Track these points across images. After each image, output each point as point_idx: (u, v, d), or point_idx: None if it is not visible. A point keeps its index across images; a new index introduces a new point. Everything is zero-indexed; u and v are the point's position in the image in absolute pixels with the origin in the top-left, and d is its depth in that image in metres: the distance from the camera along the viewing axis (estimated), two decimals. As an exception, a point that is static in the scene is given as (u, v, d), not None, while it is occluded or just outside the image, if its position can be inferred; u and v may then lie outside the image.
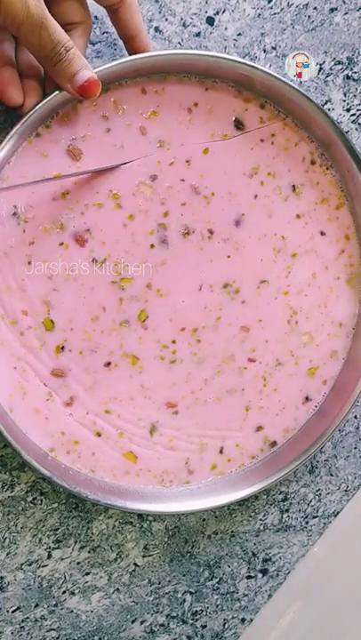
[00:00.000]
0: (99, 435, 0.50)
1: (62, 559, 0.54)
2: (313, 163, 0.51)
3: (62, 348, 0.49)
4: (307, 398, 0.55)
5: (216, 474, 0.53)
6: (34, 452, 0.48)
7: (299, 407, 0.54)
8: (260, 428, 0.54)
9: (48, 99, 0.43)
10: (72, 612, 0.55)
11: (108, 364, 0.50)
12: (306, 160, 0.51)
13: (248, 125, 0.49)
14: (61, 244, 0.47)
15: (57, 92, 0.43)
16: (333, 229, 0.53)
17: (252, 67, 0.46)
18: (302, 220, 0.52)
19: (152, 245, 0.49)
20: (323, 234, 0.53)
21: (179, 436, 0.52)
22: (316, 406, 0.55)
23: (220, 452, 0.53)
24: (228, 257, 0.51)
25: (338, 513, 0.60)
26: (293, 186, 0.51)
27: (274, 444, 0.54)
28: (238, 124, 0.49)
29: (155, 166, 0.48)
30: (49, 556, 0.54)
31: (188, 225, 0.50)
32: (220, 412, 0.53)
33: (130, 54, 0.46)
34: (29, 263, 0.47)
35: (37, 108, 0.43)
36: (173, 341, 0.51)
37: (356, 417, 0.59)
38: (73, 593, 0.55)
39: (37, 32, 0.40)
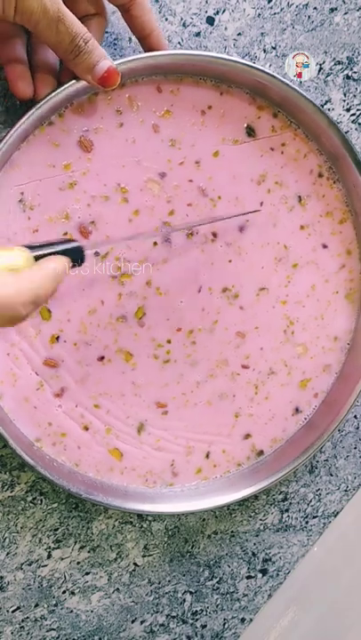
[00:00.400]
0: (86, 429, 0.50)
1: (62, 559, 0.54)
2: (320, 175, 0.52)
3: (57, 338, 0.48)
4: (297, 410, 0.54)
5: (200, 478, 0.53)
6: (20, 440, 0.47)
7: (288, 418, 0.54)
8: (248, 436, 0.54)
9: (63, 87, 0.44)
10: (72, 611, 0.55)
11: (102, 358, 0.50)
12: (314, 172, 0.51)
13: (259, 133, 0.50)
14: (65, 234, 0.47)
15: (73, 81, 0.44)
16: (336, 243, 0.53)
17: (270, 75, 0.47)
18: (306, 231, 0.52)
19: (155, 243, 0.49)
20: (325, 247, 0.53)
21: (166, 436, 0.52)
22: (305, 418, 0.54)
23: (207, 456, 0.53)
24: (230, 261, 0.51)
25: (338, 513, 0.60)
26: (300, 197, 0.51)
27: (261, 452, 0.54)
28: (250, 131, 0.50)
29: (165, 164, 0.48)
30: (49, 556, 0.54)
31: (193, 226, 0.50)
32: (210, 416, 0.52)
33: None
34: (31, 250, 0.47)
35: (52, 95, 0.44)
36: (168, 341, 0.51)
37: (356, 417, 0.59)
38: (73, 593, 0.55)
39: (55, 26, 0.40)
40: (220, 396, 0.52)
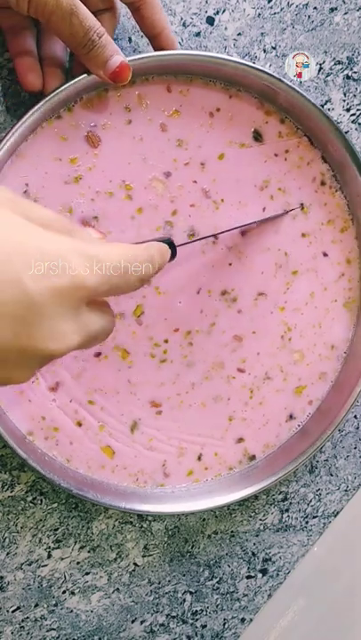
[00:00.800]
0: (79, 424, 0.49)
1: (62, 559, 0.54)
2: (323, 183, 0.52)
3: (54, 331, 0.48)
4: (291, 416, 0.54)
5: (191, 480, 0.52)
6: (12, 433, 0.47)
7: (282, 424, 0.54)
8: (240, 440, 0.53)
9: (73, 81, 0.44)
10: (72, 611, 0.55)
11: (99, 354, 0.49)
12: (316, 180, 0.52)
13: (266, 138, 0.50)
14: (69, 227, 0.47)
15: (84, 75, 0.44)
16: (336, 252, 0.53)
17: (279, 80, 0.47)
18: (307, 238, 0.52)
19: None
20: (325, 255, 0.53)
21: (159, 436, 0.51)
22: (299, 425, 0.54)
23: (199, 458, 0.53)
24: (230, 265, 0.51)
25: (338, 513, 0.60)
26: (302, 204, 0.52)
27: (253, 457, 0.54)
28: (257, 136, 0.50)
29: (170, 164, 0.49)
30: (49, 556, 0.53)
31: (195, 227, 0.50)
32: (204, 418, 0.52)
33: None
34: (33, 242, 0.47)
35: (62, 89, 0.44)
36: (166, 341, 0.51)
37: (356, 417, 0.59)
38: (73, 593, 0.54)
39: (68, 19, 0.40)
40: (215, 399, 0.52)
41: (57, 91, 0.44)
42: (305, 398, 0.54)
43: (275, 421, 0.54)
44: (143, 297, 0.50)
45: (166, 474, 0.52)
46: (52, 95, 0.44)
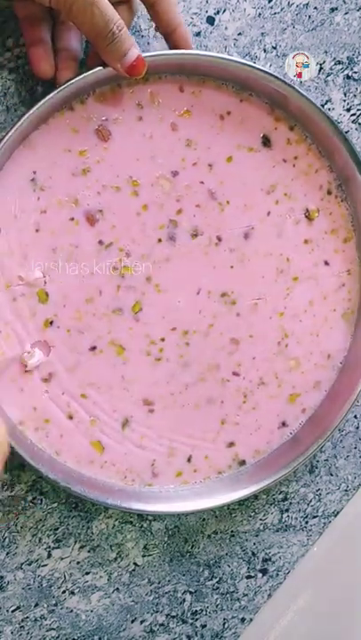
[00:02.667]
0: (70, 417, 0.49)
1: (62, 559, 0.53)
2: (329, 192, 0.52)
3: (51, 322, 0.48)
4: (283, 423, 0.54)
5: (180, 482, 0.52)
6: (3, 420, 0.46)
7: (274, 431, 0.54)
8: (231, 444, 0.53)
9: (88, 73, 0.44)
10: (72, 611, 0.54)
11: (94, 348, 0.49)
12: (323, 188, 0.52)
13: (275, 144, 0.50)
14: (72, 219, 0.47)
15: (99, 67, 0.44)
16: (338, 261, 0.53)
17: (290, 86, 0.47)
18: (309, 245, 0.53)
19: (160, 240, 0.49)
20: (327, 264, 0.53)
21: (150, 435, 0.51)
22: (291, 433, 0.54)
23: (188, 460, 0.52)
24: (232, 267, 0.51)
25: (338, 513, 0.59)
26: (307, 210, 0.52)
27: (243, 462, 0.53)
28: (266, 141, 0.50)
29: (178, 163, 0.49)
30: (49, 556, 0.53)
31: (199, 227, 0.50)
32: (196, 419, 0.52)
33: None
34: (37, 231, 0.47)
35: (76, 80, 0.44)
36: (162, 339, 0.51)
37: (356, 417, 0.58)
38: (73, 592, 0.54)
39: (89, 9, 0.40)
40: (208, 401, 0.52)
41: (72, 80, 0.44)
42: (299, 406, 0.54)
43: (267, 427, 0.54)
44: (143, 294, 0.49)
45: (155, 473, 0.51)
46: (65, 85, 0.44)
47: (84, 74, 0.44)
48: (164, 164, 0.49)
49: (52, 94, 0.44)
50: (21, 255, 0.47)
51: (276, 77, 0.47)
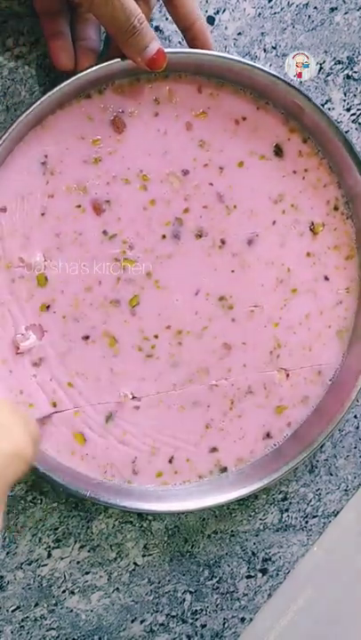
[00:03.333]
0: (54, 405, 0.49)
1: (62, 558, 0.53)
2: (336, 208, 0.52)
3: (48, 307, 0.48)
4: (268, 435, 0.54)
5: (160, 482, 0.51)
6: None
7: (258, 441, 0.53)
8: (214, 450, 0.53)
9: (107, 63, 0.44)
10: (72, 611, 0.54)
11: (87, 337, 0.49)
12: (330, 203, 0.52)
13: (286, 154, 0.51)
14: (79, 206, 0.47)
15: (117, 59, 0.44)
16: (338, 278, 0.53)
17: (308, 98, 0.48)
18: (311, 259, 0.53)
19: (164, 236, 0.49)
20: (327, 279, 0.53)
21: (133, 431, 0.50)
22: (274, 445, 0.54)
23: (170, 461, 0.52)
24: (233, 271, 0.51)
25: (338, 513, 0.59)
26: (312, 224, 0.52)
27: (224, 469, 0.53)
28: (278, 150, 0.51)
29: (190, 162, 0.49)
30: (49, 556, 0.52)
31: (204, 228, 0.50)
32: (181, 421, 0.51)
33: (189, 47, 0.47)
34: (42, 215, 0.47)
35: (95, 68, 0.44)
36: (156, 336, 0.50)
37: (356, 417, 0.58)
38: (73, 592, 0.53)
39: (111, 3, 0.40)
40: (195, 404, 0.52)
41: (91, 69, 0.44)
42: (284, 419, 0.54)
43: (251, 437, 0.53)
44: (142, 288, 0.49)
45: (135, 471, 0.51)
46: (83, 73, 0.44)
47: (102, 64, 0.44)
48: (175, 162, 0.49)
49: (70, 80, 0.44)
50: (24, 237, 0.47)
51: (297, 89, 0.48)
